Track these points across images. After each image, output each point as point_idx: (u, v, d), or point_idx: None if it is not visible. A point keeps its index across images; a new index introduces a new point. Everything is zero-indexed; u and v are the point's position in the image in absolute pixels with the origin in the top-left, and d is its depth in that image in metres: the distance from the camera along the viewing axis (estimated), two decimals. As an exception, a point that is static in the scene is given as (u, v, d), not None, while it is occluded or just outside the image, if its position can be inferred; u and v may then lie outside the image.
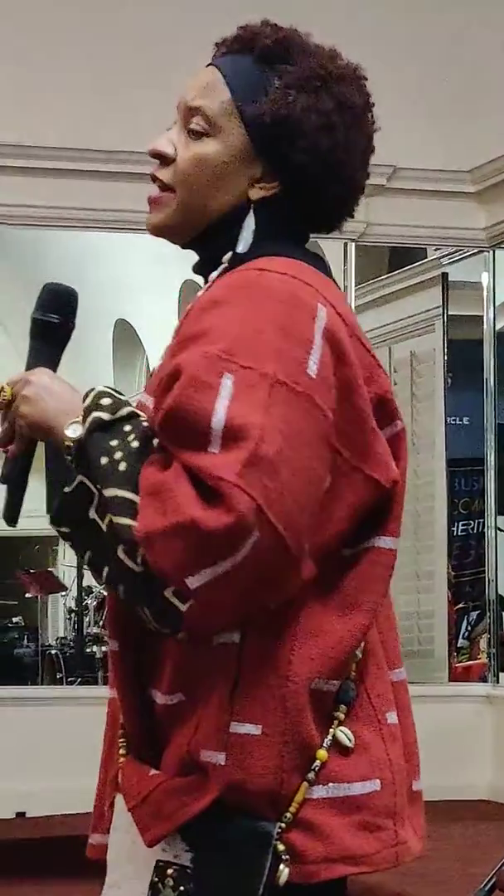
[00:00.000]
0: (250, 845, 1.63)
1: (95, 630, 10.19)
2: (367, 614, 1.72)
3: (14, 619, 11.22)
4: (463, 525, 8.93)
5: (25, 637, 10.90)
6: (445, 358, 8.90)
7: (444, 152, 7.96)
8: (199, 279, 1.86)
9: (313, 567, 1.67)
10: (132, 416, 1.69)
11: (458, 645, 8.91)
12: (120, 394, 1.72)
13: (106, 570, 1.66)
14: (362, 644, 1.73)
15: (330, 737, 1.69)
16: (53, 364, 1.83)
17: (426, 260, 9.15)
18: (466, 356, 8.77)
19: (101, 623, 10.11)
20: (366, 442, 1.71)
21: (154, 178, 1.86)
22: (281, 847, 1.64)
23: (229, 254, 1.80)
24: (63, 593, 11.23)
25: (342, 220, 1.88)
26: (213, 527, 1.55)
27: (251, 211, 1.81)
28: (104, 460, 1.65)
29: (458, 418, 8.87)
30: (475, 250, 8.53)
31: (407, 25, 8.05)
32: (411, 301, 9.24)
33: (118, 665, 1.78)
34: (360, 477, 1.71)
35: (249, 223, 1.81)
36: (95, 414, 1.69)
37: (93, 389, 1.72)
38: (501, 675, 8.24)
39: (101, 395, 1.71)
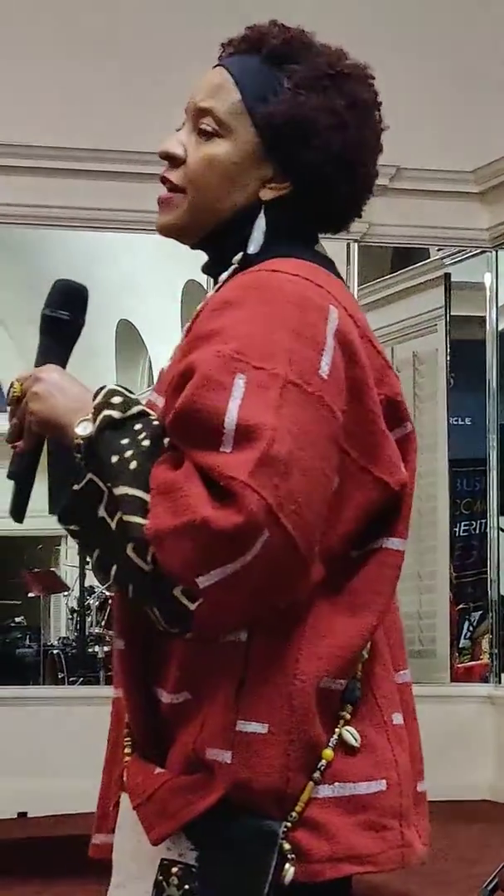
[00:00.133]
0: (256, 844, 1.63)
1: (97, 630, 10.20)
2: (375, 614, 1.72)
3: (16, 619, 11.24)
4: (465, 525, 8.93)
5: (27, 637, 10.92)
6: (448, 358, 8.90)
7: (447, 153, 7.96)
8: (203, 278, 1.86)
9: (321, 568, 1.68)
10: (143, 415, 1.69)
11: (461, 645, 8.91)
12: (130, 392, 1.72)
13: (114, 568, 1.66)
14: (368, 645, 1.73)
15: (336, 736, 1.69)
16: (62, 361, 1.83)
17: (429, 260, 9.15)
18: (469, 357, 8.76)
19: (102, 623, 10.12)
20: (375, 444, 1.71)
21: (164, 180, 1.86)
22: (286, 846, 1.64)
23: (239, 255, 1.80)
24: (65, 593, 11.24)
25: (351, 219, 1.88)
26: (224, 526, 1.55)
27: (262, 211, 1.81)
28: (115, 458, 1.65)
29: (460, 419, 8.87)
30: (478, 251, 8.53)
31: (409, 25, 8.05)
32: (414, 301, 9.24)
33: (124, 664, 1.78)
34: (368, 478, 1.71)
35: (260, 224, 1.81)
36: (106, 412, 1.68)
37: (104, 387, 1.72)
38: (503, 675, 8.24)
39: (112, 393, 1.71)
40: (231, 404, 1.59)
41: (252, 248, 1.80)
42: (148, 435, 1.66)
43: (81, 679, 9.77)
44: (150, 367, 12.28)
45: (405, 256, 9.39)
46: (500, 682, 8.19)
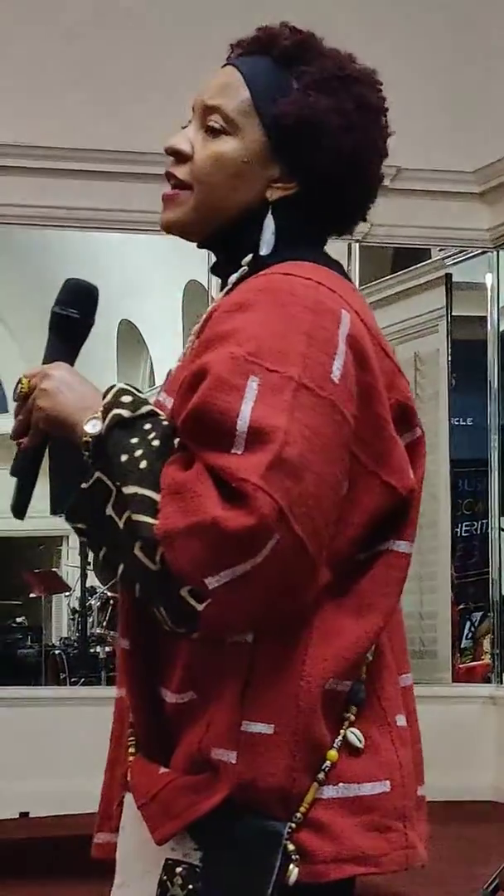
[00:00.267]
0: (260, 844, 1.63)
1: (99, 630, 10.19)
2: (381, 616, 1.72)
3: (18, 620, 11.24)
4: (466, 526, 8.93)
5: (29, 637, 10.91)
6: (449, 359, 8.90)
7: (448, 153, 7.96)
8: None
9: (328, 572, 1.68)
10: (152, 415, 1.70)
11: (462, 646, 8.91)
12: (140, 392, 1.72)
13: (121, 567, 1.66)
14: (373, 647, 1.73)
15: (340, 737, 1.69)
16: (71, 359, 1.83)
17: (430, 261, 9.15)
18: (470, 357, 8.76)
19: (104, 623, 10.12)
20: (384, 448, 1.72)
21: (169, 176, 1.85)
22: (291, 847, 1.64)
23: (249, 256, 1.81)
24: (67, 593, 11.24)
25: (356, 222, 1.88)
26: (235, 528, 1.55)
27: (269, 212, 1.81)
28: (124, 457, 1.65)
29: (461, 419, 8.86)
30: (479, 251, 8.53)
31: (410, 26, 8.05)
32: (415, 302, 9.24)
33: (128, 663, 1.78)
34: (377, 483, 1.71)
35: (269, 225, 1.81)
36: (116, 411, 1.69)
37: (113, 386, 1.72)
38: (504, 675, 8.25)
39: (122, 392, 1.71)
40: (244, 406, 1.59)
41: (264, 249, 1.80)
42: (158, 435, 1.66)
43: (83, 680, 9.76)
44: (152, 368, 12.28)
45: (406, 257, 9.39)
46: (501, 683, 8.19)
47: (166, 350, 11.73)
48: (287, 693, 1.65)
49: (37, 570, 11.66)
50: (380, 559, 1.74)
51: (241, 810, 1.64)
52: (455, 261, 8.91)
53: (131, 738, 1.79)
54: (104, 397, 1.71)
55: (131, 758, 1.77)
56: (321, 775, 1.67)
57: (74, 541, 11.50)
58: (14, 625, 11.14)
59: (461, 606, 8.95)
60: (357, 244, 7.93)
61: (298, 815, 1.65)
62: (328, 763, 1.67)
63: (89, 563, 10.52)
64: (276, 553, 1.57)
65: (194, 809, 1.65)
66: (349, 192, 1.83)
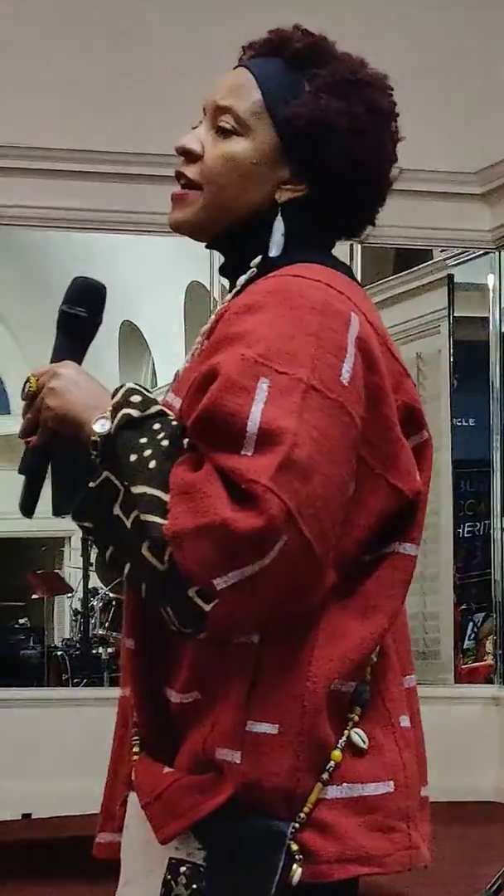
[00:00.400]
0: (264, 844, 1.63)
1: (101, 631, 10.19)
2: (387, 617, 1.72)
3: (20, 621, 11.24)
4: (469, 527, 8.93)
5: (31, 638, 10.91)
6: (451, 359, 8.90)
7: (450, 154, 7.96)
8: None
9: (334, 574, 1.68)
10: (161, 415, 1.70)
11: (465, 646, 8.91)
12: (149, 392, 1.72)
13: (127, 567, 1.66)
14: (377, 648, 1.74)
15: (344, 738, 1.69)
16: (79, 358, 1.83)
17: (432, 261, 9.14)
18: (472, 358, 8.76)
19: (106, 624, 10.12)
20: (391, 451, 1.72)
21: (179, 175, 1.86)
22: (294, 847, 1.64)
23: (258, 258, 1.81)
24: (69, 595, 11.24)
25: (365, 226, 1.89)
26: (245, 529, 1.55)
27: (279, 214, 1.82)
28: (133, 457, 1.65)
29: (463, 420, 8.86)
30: (481, 252, 8.52)
31: (412, 26, 8.05)
32: (417, 302, 9.24)
33: (133, 663, 1.79)
34: (383, 485, 1.72)
35: (279, 226, 1.82)
36: (125, 410, 1.69)
37: (122, 386, 1.72)
38: (507, 676, 8.24)
39: (131, 392, 1.71)
40: (254, 408, 1.60)
41: (273, 251, 1.81)
42: (167, 435, 1.67)
43: (85, 680, 9.76)
44: (154, 369, 12.28)
45: (408, 258, 9.38)
46: (503, 684, 8.19)
47: (168, 351, 11.74)
48: (292, 693, 1.65)
49: (39, 572, 11.66)
50: (385, 561, 1.75)
51: (246, 810, 1.64)
52: (457, 261, 8.91)
53: (135, 738, 1.79)
54: (113, 397, 1.71)
55: (135, 757, 1.78)
56: (325, 775, 1.67)
57: (77, 542, 11.50)
58: (16, 626, 11.13)
59: (463, 607, 8.96)
60: (359, 245, 7.93)
61: (302, 815, 1.65)
62: (332, 763, 1.67)
63: (91, 565, 10.53)
64: (283, 554, 1.57)
65: (198, 809, 1.65)
66: (358, 195, 1.83)
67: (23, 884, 5.76)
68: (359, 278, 1.87)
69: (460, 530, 8.91)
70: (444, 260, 8.98)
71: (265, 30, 1.90)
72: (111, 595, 10.02)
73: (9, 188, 7.46)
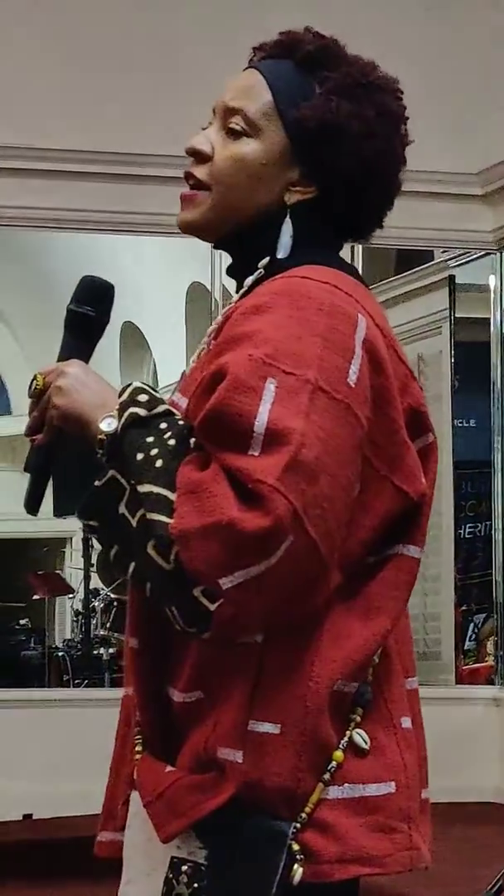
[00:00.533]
0: (265, 844, 1.64)
1: (102, 632, 10.20)
2: (390, 618, 1.73)
3: (21, 621, 11.24)
4: (470, 527, 8.94)
5: (32, 639, 10.91)
6: (452, 360, 8.90)
7: (451, 154, 7.95)
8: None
9: (338, 574, 1.69)
10: (168, 414, 1.70)
11: (465, 647, 8.91)
12: (156, 391, 1.73)
13: (132, 566, 1.67)
14: (380, 649, 1.74)
15: (346, 738, 1.69)
16: (86, 357, 1.83)
17: (433, 262, 9.15)
18: (473, 359, 8.76)
19: (107, 625, 10.13)
20: (397, 453, 1.73)
21: (188, 176, 1.86)
22: (295, 846, 1.64)
23: (266, 259, 1.82)
24: (70, 595, 11.24)
25: (373, 229, 1.89)
26: (251, 528, 1.56)
27: (287, 215, 1.82)
28: (140, 456, 1.65)
29: (464, 421, 8.87)
30: (482, 253, 8.53)
31: (413, 26, 8.05)
32: (418, 303, 9.24)
33: (137, 662, 1.79)
34: (388, 487, 1.73)
35: (287, 228, 1.82)
36: (132, 409, 1.69)
37: (129, 385, 1.73)
38: (508, 677, 8.24)
39: (138, 391, 1.72)
40: (262, 408, 1.60)
41: (281, 252, 1.81)
42: (173, 434, 1.67)
43: (86, 681, 9.77)
44: (155, 369, 12.29)
45: (409, 258, 9.39)
46: (504, 684, 8.20)
47: (169, 352, 11.74)
48: (295, 694, 1.65)
49: (40, 572, 11.67)
50: (389, 563, 1.75)
51: (247, 810, 1.64)
52: (458, 262, 8.91)
53: (138, 737, 1.79)
54: (120, 395, 1.71)
55: (138, 756, 1.78)
56: (327, 776, 1.67)
57: (78, 543, 11.50)
58: (17, 627, 11.14)
59: (464, 608, 8.96)
60: (360, 246, 7.94)
61: (303, 815, 1.66)
62: (334, 764, 1.68)
63: (92, 565, 10.53)
64: (289, 554, 1.58)
65: (200, 808, 1.66)
66: (367, 198, 1.84)
67: (23, 885, 5.77)
68: (361, 279, 1.86)
69: (461, 531, 8.91)
70: (446, 261, 8.99)
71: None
72: (112, 596, 10.02)
73: (10, 189, 7.47)
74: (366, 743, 1.71)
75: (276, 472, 1.57)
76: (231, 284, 1.92)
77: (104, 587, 10.36)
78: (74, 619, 11.10)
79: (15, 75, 7.57)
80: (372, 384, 1.70)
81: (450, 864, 5.59)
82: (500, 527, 8.43)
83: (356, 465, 1.67)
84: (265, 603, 1.61)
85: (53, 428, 1.77)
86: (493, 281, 8.53)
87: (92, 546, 10.44)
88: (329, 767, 1.67)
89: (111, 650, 9.76)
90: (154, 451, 1.65)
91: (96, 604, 10.48)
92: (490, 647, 8.60)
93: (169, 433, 1.67)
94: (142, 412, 1.69)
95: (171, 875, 1.68)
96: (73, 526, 11.41)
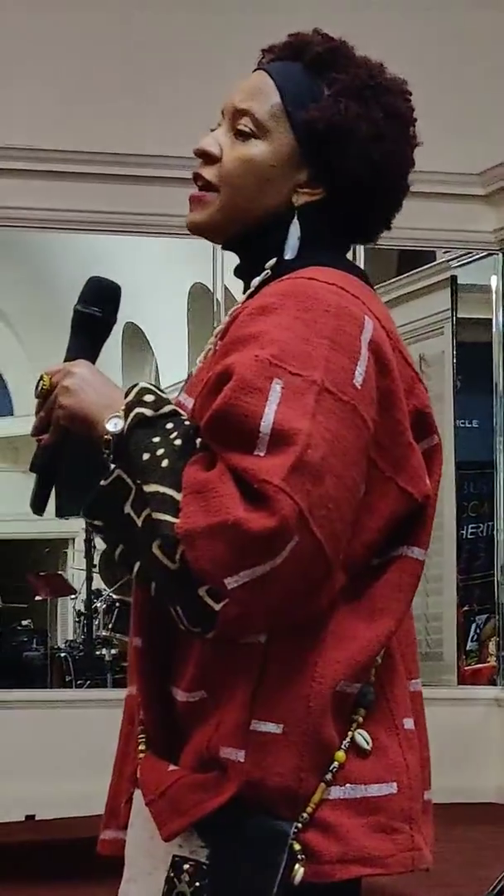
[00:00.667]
0: (266, 844, 1.64)
1: (104, 633, 10.20)
2: (394, 620, 1.73)
3: (23, 622, 11.24)
4: (472, 528, 8.93)
5: (34, 640, 10.91)
6: (454, 361, 8.91)
7: (453, 155, 7.95)
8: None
9: (343, 576, 1.69)
10: (174, 414, 1.71)
11: (467, 648, 8.91)
12: (162, 392, 1.73)
13: (137, 565, 1.67)
14: (383, 650, 1.74)
15: (348, 739, 1.69)
16: (92, 357, 1.83)
17: (435, 263, 9.16)
18: (475, 359, 8.77)
19: (109, 626, 10.12)
20: (402, 455, 1.73)
21: (197, 177, 1.86)
22: (297, 846, 1.64)
23: (272, 260, 1.82)
24: (72, 596, 11.24)
25: (380, 231, 1.90)
26: (257, 529, 1.56)
27: (295, 217, 1.82)
28: (146, 456, 1.66)
29: (466, 421, 8.87)
30: (484, 253, 8.53)
31: (416, 26, 8.06)
32: (420, 304, 9.25)
33: (141, 662, 1.79)
34: (393, 489, 1.73)
35: (295, 230, 1.82)
36: (138, 409, 1.69)
37: (136, 385, 1.73)
38: (510, 678, 8.24)
39: (145, 391, 1.72)
40: (267, 408, 1.61)
41: (289, 254, 1.81)
42: (180, 434, 1.67)
43: (88, 682, 9.77)
44: (157, 370, 12.29)
45: (411, 259, 9.39)
46: (506, 685, 8.20)
47: (171, 353, 11.75)
48: (298, 694, 1.65)
49: (42, 573, 11.67)
50: (394, 564, 1.75)
51: (249, 809, 1.65)
52: (460, 263, 8.92)
53: (141, 736, 1.80)
54: (126, 396, 1.72)
55: (141, 755, 1.78)
56: (329, 776, 1.67)
57: (80, 544, 11.50)
58: (20, 627, 11.14)
59: (466, 608, 8.96)
60: (362, 246, 7.93)
61: (305, 815, 1.66)
62: (336, 764, 1.68)
63: (95, 566, 10.53)
64: (294, 555, 1.58)
65: (202, 807, 1.66)
66: (375, 199, 1.84)
67: (26, 885, 5.76)
68: (364, 280, 1.86)
69: (463, 532, 8.91)
70: (448, 261, 9.00)
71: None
72: (114, 597, 10.01)
73: (13, 190, 7.47)
74: (368, 743, 1.71)
75: (282, 472, 1.58)
76: (234, 285, 1.92)
77: (106, 588, 10.35)
78: (76, 619, 11.10)
79: (16, 76, 7.58)
80: (378, 386, 1.70)
81: (451, 864, 5.59)
82: (503, 527, 8.43)
83: (362, 467, 1.67)
84: (270, 603, 1.61)
85: (60, 428, 1.78)
86: (495, 281, 8.54)
87: (94, 547, 10.44)
88: (331, 768, 1.67)
89: (113, 651, 9.76)
90: (160, 452, 1.66)
91: (98, 605, 10.48)
92: (492, 647, 8.60)
93: (175, 433, 1.67)
94: (148, 412, 1.69)
95: (172, 874, 1.68)
96: (75, 527, 11.43)
